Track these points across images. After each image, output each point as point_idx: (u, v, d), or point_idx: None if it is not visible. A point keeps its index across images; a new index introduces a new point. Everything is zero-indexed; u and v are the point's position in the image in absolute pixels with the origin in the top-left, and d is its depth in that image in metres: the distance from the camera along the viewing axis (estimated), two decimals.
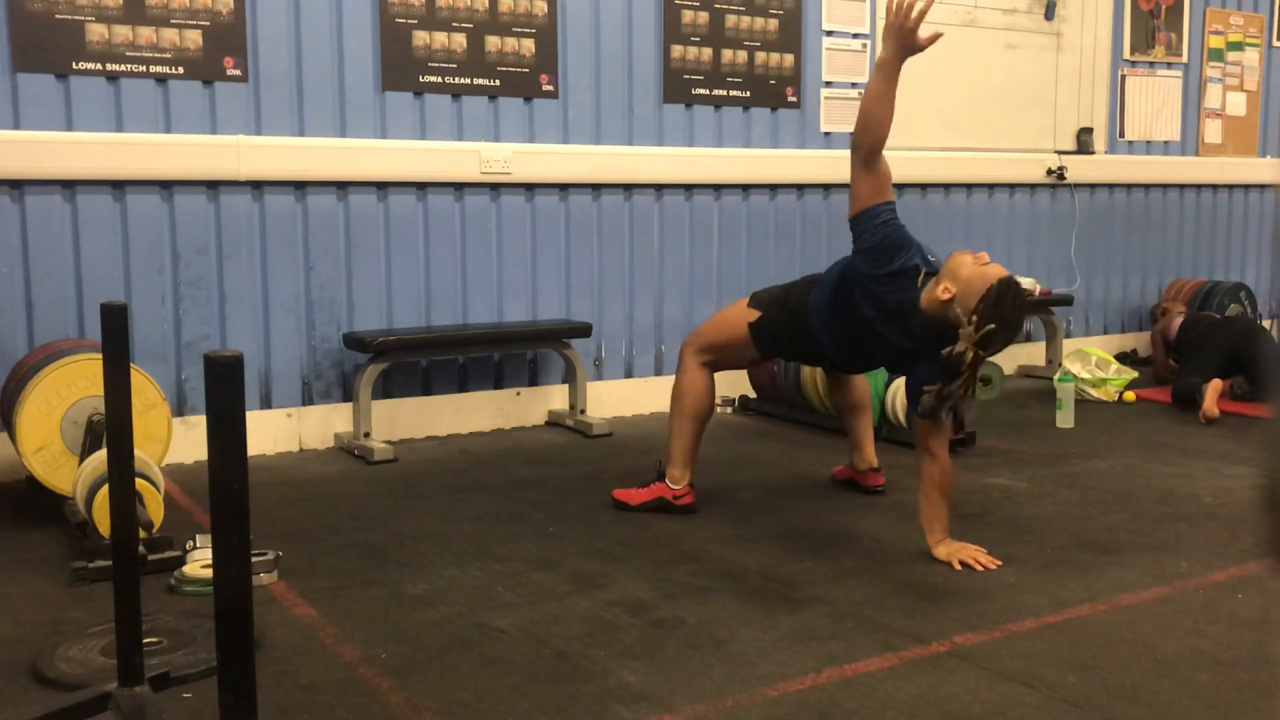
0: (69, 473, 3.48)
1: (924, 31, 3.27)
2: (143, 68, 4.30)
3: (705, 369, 3.76)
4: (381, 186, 4.80)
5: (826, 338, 3.54)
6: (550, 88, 5.10)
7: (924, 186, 6.25)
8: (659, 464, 3.82)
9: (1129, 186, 7.08)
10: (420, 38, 4.79)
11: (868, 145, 3.27)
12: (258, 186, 4.56)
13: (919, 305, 3.21)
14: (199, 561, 3.11)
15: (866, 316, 3.34)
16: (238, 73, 4.46)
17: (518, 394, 5.18)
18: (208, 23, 4.39)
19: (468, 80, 4.91)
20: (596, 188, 5.30)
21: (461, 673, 2.54)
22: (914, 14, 3.25)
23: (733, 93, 5.57)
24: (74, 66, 4.19)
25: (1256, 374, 5.42)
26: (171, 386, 4.43)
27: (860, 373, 3.97)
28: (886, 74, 3.27)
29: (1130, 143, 7.07)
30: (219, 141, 4.43)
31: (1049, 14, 6.58)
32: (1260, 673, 2.52)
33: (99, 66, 4.23)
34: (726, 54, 5.53)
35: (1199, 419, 5.16)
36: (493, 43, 4.95)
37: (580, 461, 4.52)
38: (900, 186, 6.09)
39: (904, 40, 3.27)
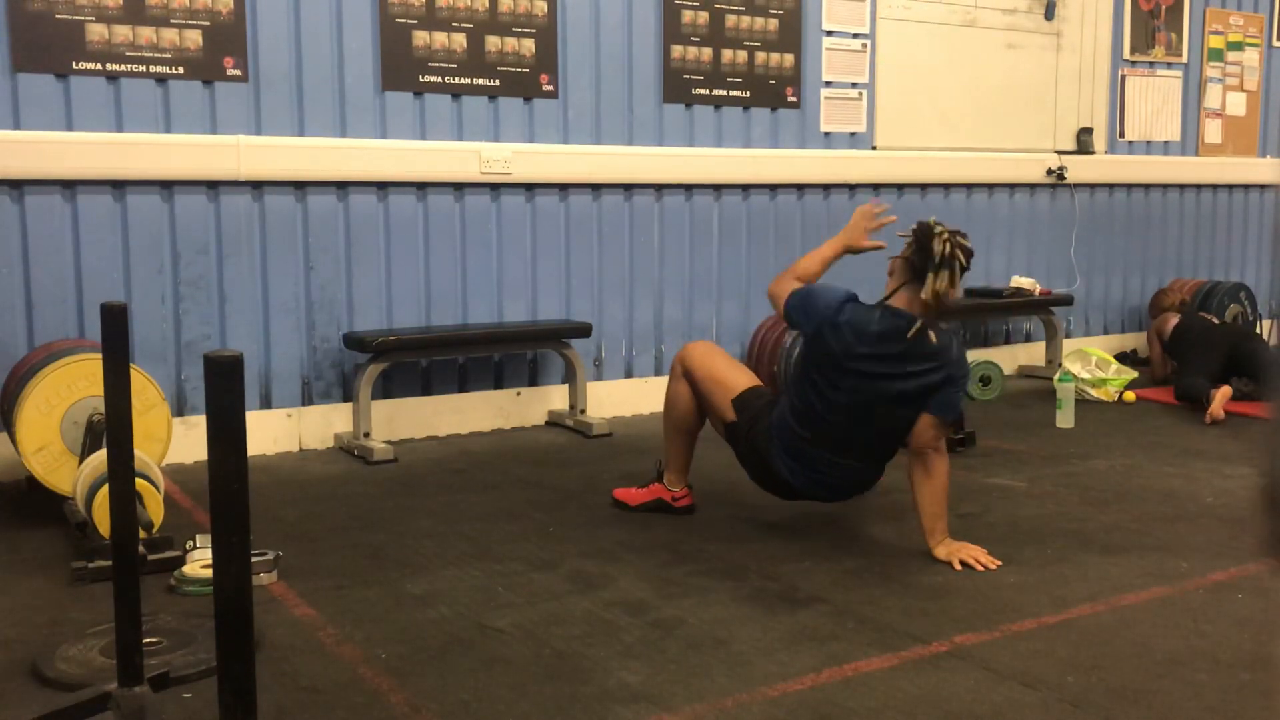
0: (69, 473, 3.48)
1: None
2: (143, 68, 4.30)
3: (688, 383, 3.71)
4: (381, 186, 4.80)
5: (794, 468, 3.39)
6: (550, 88, 5.10)
7: (924, 186, 6.25)
8: (659, 464, 3.82)
9: (1129, 186, 7.08)
10: (420, 38, 4.79)
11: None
12: (258, 186, 4.56)
13: (902, 305, 3.29)
14: (199, 561, 3.11)
15: (875, 389, 3.25)
16: (238, 73, 4.46)
17: (518, 394, 5.18)
18: (208, 23, 4.39)
19: (468, 80, 4.91)
20: (596, 188, 5.30)
21: (461, 673, 2.54)
22: (875, 221, 3.51)
23: (733, 93, 5.57)
24: (74, 66, 4.19)
25: (1257, 374, 5.43)
26: (171, 386, 4.43)
27: (829, 499, 3.58)
28: (818, 269, 3.54)
29: (1130, 143, 7.07)
30: (219, 141, 4.43)
31: (1049, 14, 6.58)
32: (1260, 673, 2.52)
33: (99, 66, 4.23)
34: (726, 54, 5.53)
35: (1204, 420, 5.16)
36: (493, 43, 4.95)
37: (580, 461, 4.52)
38: (900, 186, 6.16)
39: (854, 242, 3.51)
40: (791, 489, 3.47)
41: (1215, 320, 6.12)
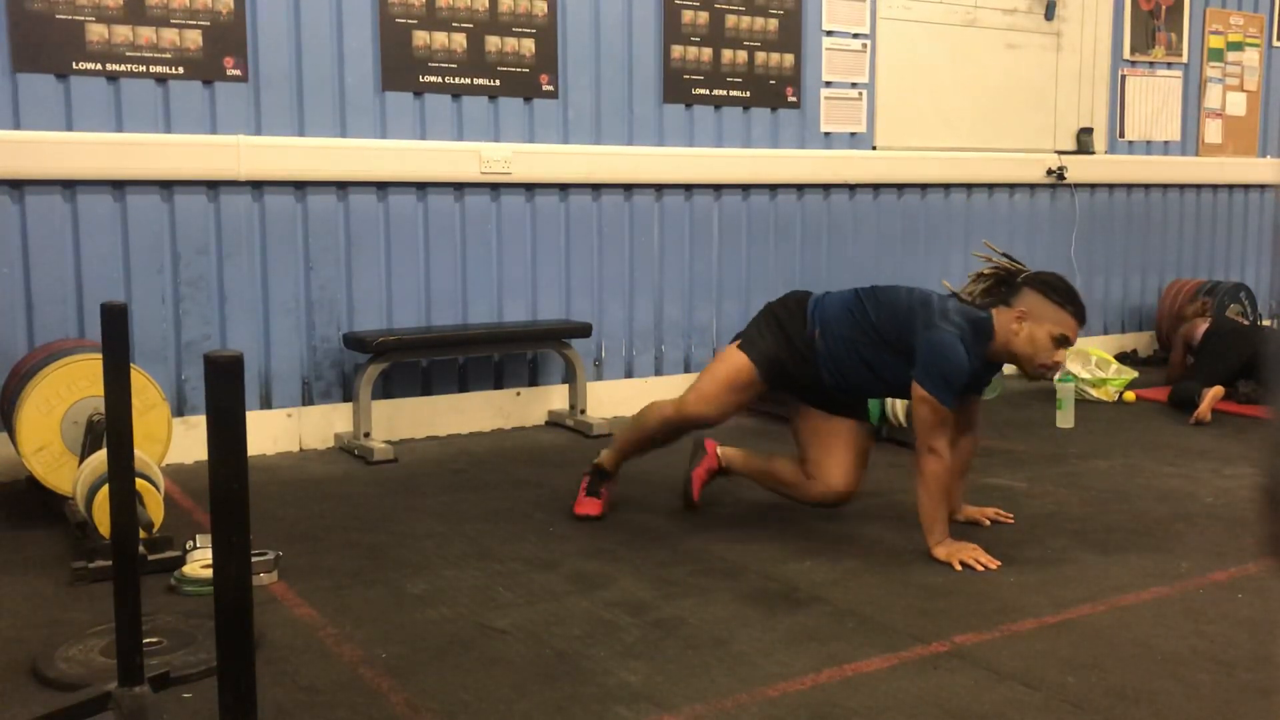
0: (69, 473, 3.48)
1: None
2: (143, 68, 4.30)
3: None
4: (381, 186, 4.80)
5: (832, 370, 3.49)
6: (550, 88, 5.10)
7: (924, 186, 6.25)
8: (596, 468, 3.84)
9: (1129, 186, 7.08)
10: (420, 38, 4.79)
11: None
12: (258, 186, 4.56)
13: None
14: (199, 561, 3.11)
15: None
16: (238, 73, 4.46)
17: (518, 394, 5.18)
18: (208, 23, 4.39)
19: (468, 80, 4.91)
20: (596, 188, 5.29)
21: (461, 673, 2.54)
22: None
23: (733, 93, 5.57)
24: (74, 66, 4.19)
25: (1262, 377, 5.41)
26: (171, 386, 4.43)
27: (844, 409, 3.64)
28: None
29: (1130, 143, 7.07)
30: (219, 141, 4.43)
31: (1049, 14, 6.58)
32: (1260, 673, 2.53)
33: (99, 66, 4.23)
34: (726, 54, 5.53)
35: (1189, 420, 5.15)
36: (493, 43, 4.95)
37: (580, 461, 4.49)
38: (900, 186, 6.16)
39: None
40: (825, 392, 3.56)
41: (1245, 321, 6.05)
